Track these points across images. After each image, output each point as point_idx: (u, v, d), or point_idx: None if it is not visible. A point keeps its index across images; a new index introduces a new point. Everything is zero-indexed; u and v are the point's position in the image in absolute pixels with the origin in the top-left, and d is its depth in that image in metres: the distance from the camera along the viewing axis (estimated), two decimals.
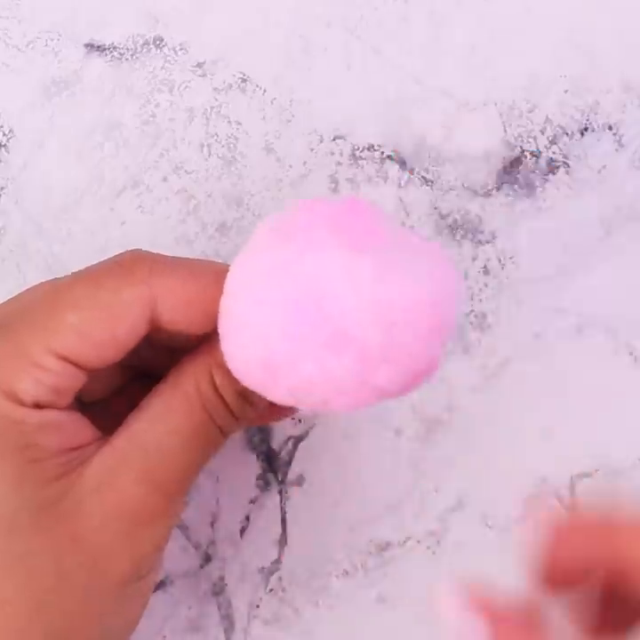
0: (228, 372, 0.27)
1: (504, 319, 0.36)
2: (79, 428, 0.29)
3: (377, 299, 0.23)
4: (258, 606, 0.35)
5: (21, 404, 0.27)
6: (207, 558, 0.34)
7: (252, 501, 0.35)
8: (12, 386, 0.27)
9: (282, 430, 0.35)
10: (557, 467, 0.35)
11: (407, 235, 0.26)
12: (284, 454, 0.36)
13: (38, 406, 0.27)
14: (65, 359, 0.27)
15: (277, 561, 0.35)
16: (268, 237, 0.25)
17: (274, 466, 0.36)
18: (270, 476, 0.35)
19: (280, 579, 0.35)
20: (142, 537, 0.28)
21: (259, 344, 0.24)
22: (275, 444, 0.35)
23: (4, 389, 0.27)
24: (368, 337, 0.23)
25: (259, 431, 0.34)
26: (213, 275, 0.27)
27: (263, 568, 0.35)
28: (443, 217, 0.36)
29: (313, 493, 0.36)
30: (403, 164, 0.35)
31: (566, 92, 0.36)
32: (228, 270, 0.26)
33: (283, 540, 0.35)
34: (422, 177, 0.36)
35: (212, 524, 0.35)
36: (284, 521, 0.35)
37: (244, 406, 0.29)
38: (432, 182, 0.36)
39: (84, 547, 0.28)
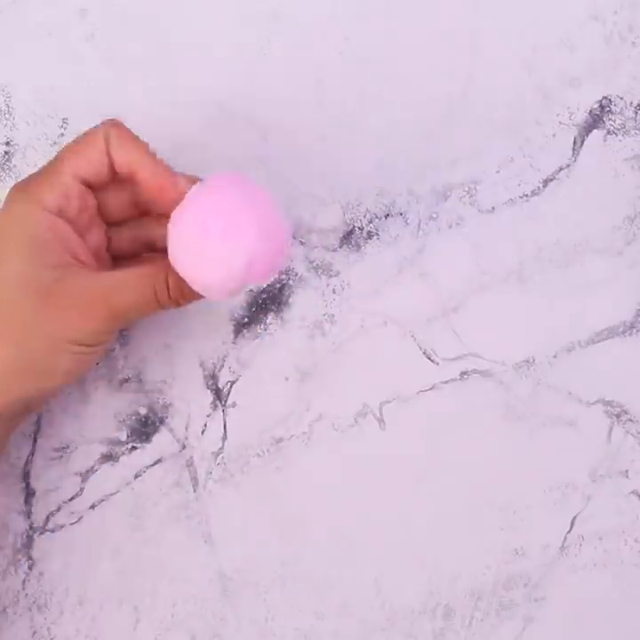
0: (177, 279, 0.40)
1: (344, 319, 0.50)
2: (78, 244, 0.41)
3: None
4: (211, 473, 0.50)
5: (43, 207, 0.39)
6: (183, 446, 0.50)
7: (208, 416, 0.50)
8: (39, 196, 0.39)
9: (225, 377, 0.50)
10: (372, 394, 0.50)
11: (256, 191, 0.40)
12: (225, 391, 0.50)
13: (54, 212, 0.39)
14: (78, 177, 0.40)
15: (221, 448, 0.50)
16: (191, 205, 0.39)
17: (220, 396, 0.50)
18: (217, 402, 0.50)
19: (223, 457, 0.50)
20: (91, 325, 0.40)
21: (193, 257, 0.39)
22: (220, 385, 0.50)
23: (33, 198, 0.39)
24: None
25: (211, 377, 0.49)
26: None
27: (213, 452, 0.50)
28: (311, 262, 0.50)
29: (240, 413, 0.50)
30: None
31: (377, 195, 0.50)
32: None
33: (224, 437, 0.50)
34: (300, 241, 0.50)
35: (186, 428, 0.50)
36: (225, 427, 0.50)
37: (177, 291, 0.41)
38: (305, 243, 0.50)
39: (62, 315, 0.39)
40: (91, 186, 0.42)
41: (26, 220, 0.40)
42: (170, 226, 0.40)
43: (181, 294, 0.41)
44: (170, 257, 0.40)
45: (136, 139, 0.41)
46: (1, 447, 0.44)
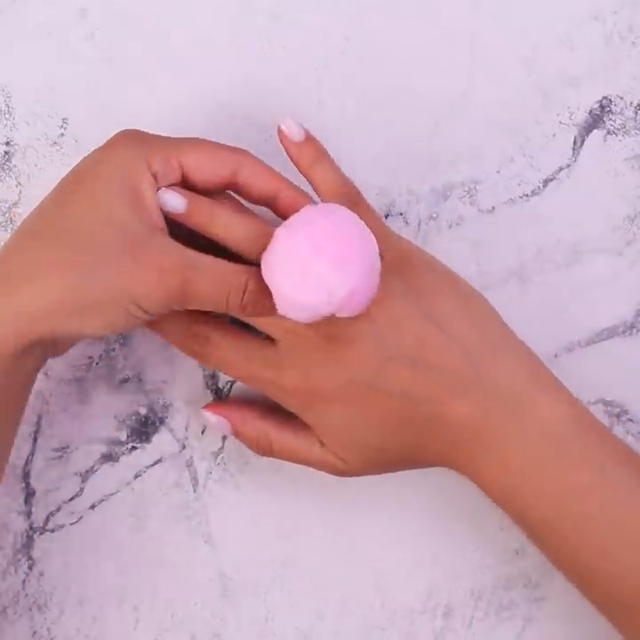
0: (255, 289, 0.40)
1: None
2: (160, 214, 0.41)
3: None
4: (211, 473, 0.50)
5: (149, 169, 0.40)
6: (183, 446, 0.50)
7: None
8: (150, 160, 0.41)
9: (225, 377, 0.50)
10: None
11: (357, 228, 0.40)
12: (225, 391, 0.50)
13: (155, 178, 0.41)
14: (180, 165, 0.41)
15: (221, 448, 0.50)
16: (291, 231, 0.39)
17: (220, 396, 0.50)
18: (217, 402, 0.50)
19: (223, 457, 0.50)
20: (157, 293, 0.39)
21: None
22: (220, 385, 0.50)
23: (145, 155, 0.40)
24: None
25: (211, 377, 0.50)
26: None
27: (213, 452, 0.50)
28: None
29: None
30: None
31: (377, 194, 0.50)
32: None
33: (224, 437, 0.50)
34: None
35: (186, 428, 0.50)
36: None
37: (251, 300, 0.41)
38: None
39: (137, 271, 0.39)
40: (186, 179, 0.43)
41: (134, 170, 0.40)
42: (276, 237, 0.40)
43: (253, 304, 0.41)
44: (264, 265, 0.40)
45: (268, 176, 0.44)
46: (21, 396, 0.43)
